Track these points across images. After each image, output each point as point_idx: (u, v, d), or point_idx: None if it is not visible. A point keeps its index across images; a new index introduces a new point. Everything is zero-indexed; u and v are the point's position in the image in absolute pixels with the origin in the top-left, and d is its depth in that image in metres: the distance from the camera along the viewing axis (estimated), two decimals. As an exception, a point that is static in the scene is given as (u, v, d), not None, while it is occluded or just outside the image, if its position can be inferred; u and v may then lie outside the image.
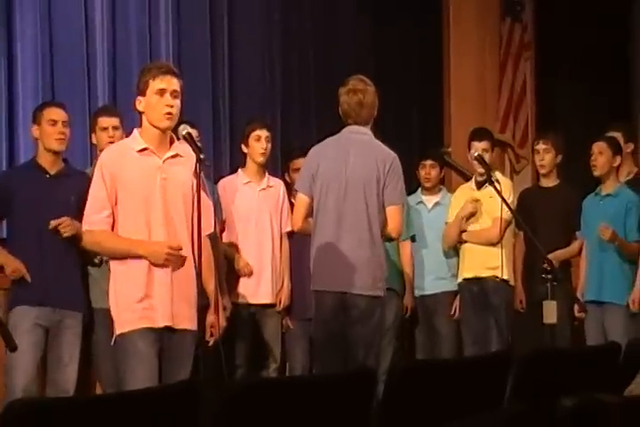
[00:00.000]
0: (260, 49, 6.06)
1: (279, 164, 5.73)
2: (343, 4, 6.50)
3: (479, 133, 5.34)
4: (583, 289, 5.17)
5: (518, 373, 2.80)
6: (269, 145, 5.09)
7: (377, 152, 4.21)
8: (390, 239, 4.37)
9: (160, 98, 3.53)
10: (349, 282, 4.14)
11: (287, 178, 5.37)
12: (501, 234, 5.16)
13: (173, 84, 3.56)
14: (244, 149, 5.12)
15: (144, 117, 3.59)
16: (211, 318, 3.68)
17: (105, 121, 4.57)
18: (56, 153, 4.37)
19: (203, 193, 3.61)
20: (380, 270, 4.20)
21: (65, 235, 4.24)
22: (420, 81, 6.84)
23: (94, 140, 4.66)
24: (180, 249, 3.51)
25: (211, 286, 3.65)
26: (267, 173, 5.19)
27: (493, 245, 5.17)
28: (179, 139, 4.22)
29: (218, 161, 5.68)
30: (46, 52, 5.13)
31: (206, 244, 3.61)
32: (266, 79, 6.08)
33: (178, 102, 3.57)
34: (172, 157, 3.61)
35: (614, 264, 5.05)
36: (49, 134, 4.33)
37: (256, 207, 5.07)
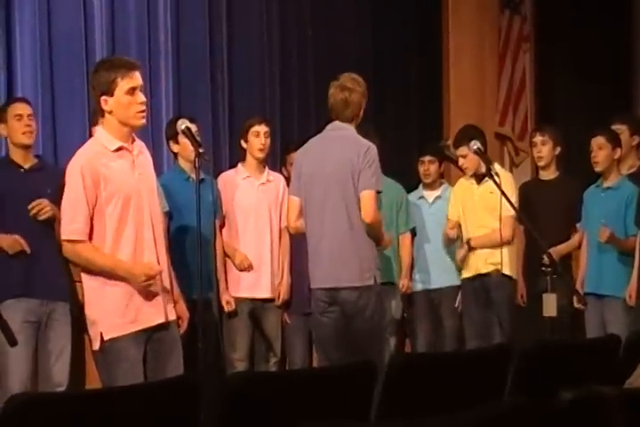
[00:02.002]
0: (258, 44, 6.04)
1: (278, 158, 5.73)
2: (342, -2, 6.50)
3: (454, 140, 5.34)
4: (583, 281, 5.17)
5: (519, 365, 2.81)
6: (268, 140, 5.10)
7: (352, 145, 4.24)
8: (369, 227, 4.18)
9: (132, 97, 3.45)
10: (337, 277, 4.18)
11: (284, 172, 5.38)
12: (512, 232, 5.13)
13: (139, 78, 3.50)
14: (244, 145, 5.12)
15: (110, 117, 3.48)
16: (178, 309, 3.62)
17: None
18: (26, 148, 4.41)
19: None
20: (367, 261, 4.21)
21: (42, 217, 4.27)
22: (419, 74, 6.82)
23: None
24: (160, 272, 3.46)
25: (173, 279, 3.65)
26: (266, 168, 5.19)
27: (509, 243, 5.16)
28: (177, 133, 4.20)
29: (217, 156, 5.68)
30: (45, 51, 5.11)
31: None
32: (265, 74, 6.07)
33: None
34: (139, 153, 3.58)
35: (614, 257, 5.04)
36: (16, 129, 4.37)
37: (255, 202, 5.07)
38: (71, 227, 3.43)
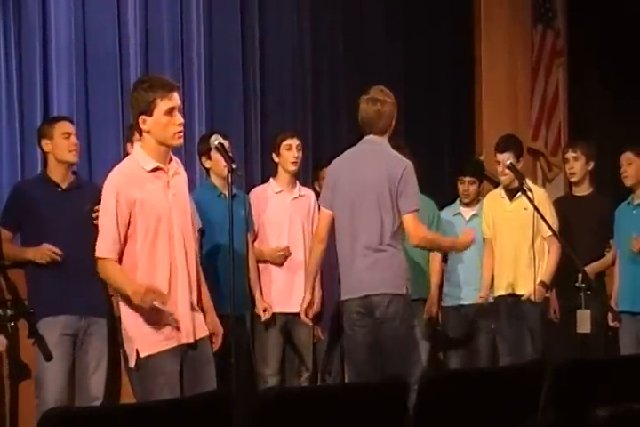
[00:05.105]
0: (290, 59, 6.08)
1: (310, 173, 5.74)
2: (373, 12, 6.51)
3: (501, 144, 5.29)
4: (617, 299, 5.12)
5: (552, 382, 2.79)
6: (300, 154, 5.12)
7: (389, 161, 4.26)
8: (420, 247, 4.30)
9: (170, 117, 3.50)
10: (370, 284, 4.20)
11: (317, 187, 5.39)
12: (560, 244, 5.04)
13: (177, 99, 3.54)
14: (276, 159, 5.14)
15: (148, 136, 3.52)
16: (210, 324, 3.64)
17: None
18: (70, 165, 4.48)
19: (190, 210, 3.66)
20: (400, 270, 4.23)
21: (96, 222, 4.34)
22: (451, 89, 6.82)
23: (130, 151, 4.71)
24: (165, 299, 3.43)
25: (206, 296, 3.68)
26: (297, 183, 5.21)
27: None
28: (210, 149, 4.22)
29: (249, 171, 5.70)
30: (80, 70, 5.17)
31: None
32: (296, 89, 6.10)
33: None
34: (175, 173, 3.61)
35: (648, 273, 5.00)
36: (63, 147, 4.43)
37: (288, 216, 5.08)
38: (100, 245, 3.50)
